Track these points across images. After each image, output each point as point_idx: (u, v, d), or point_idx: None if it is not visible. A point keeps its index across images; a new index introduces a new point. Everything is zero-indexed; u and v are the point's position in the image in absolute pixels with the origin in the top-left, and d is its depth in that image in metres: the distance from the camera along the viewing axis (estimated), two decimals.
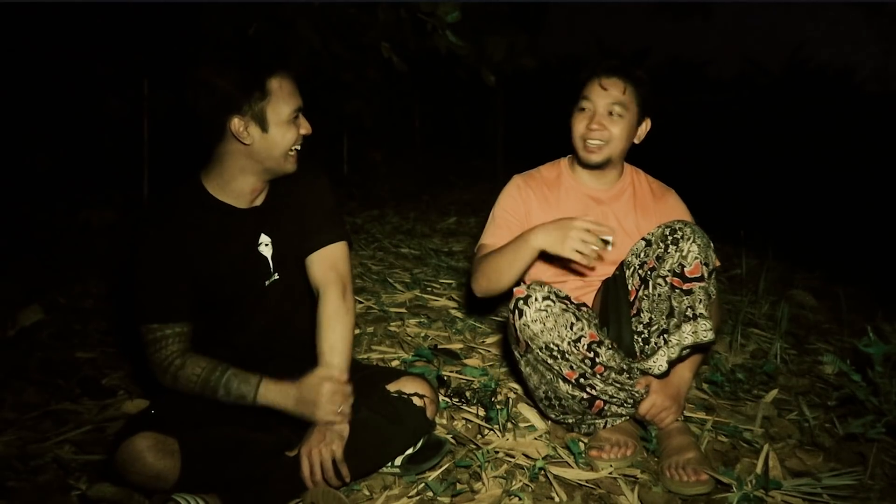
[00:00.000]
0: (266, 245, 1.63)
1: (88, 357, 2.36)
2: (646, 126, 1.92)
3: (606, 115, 1.85)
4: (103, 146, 4.71)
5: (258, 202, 1.63)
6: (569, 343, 1.60)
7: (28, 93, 4.27)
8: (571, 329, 1.60)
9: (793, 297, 3.24)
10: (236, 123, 1.49)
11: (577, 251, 1.63)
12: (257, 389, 1.51)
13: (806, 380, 2.24)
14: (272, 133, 1.51)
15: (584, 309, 1.67)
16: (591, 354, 1.63)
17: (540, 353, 1.62)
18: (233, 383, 1.50)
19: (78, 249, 3.62)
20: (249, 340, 1.65)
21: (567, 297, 1.64)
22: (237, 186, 1.58)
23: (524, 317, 1.60)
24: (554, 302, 1.59)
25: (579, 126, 1.88)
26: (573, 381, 1.65)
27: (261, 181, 1.60)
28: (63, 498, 1.56)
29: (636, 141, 1.92)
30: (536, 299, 1.59)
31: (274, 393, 1.52)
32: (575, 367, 1.63)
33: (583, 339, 1.61)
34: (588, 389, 1.66)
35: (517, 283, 1.72)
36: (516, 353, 1.72)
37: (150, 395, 2.02)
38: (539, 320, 1.58)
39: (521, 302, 1.60)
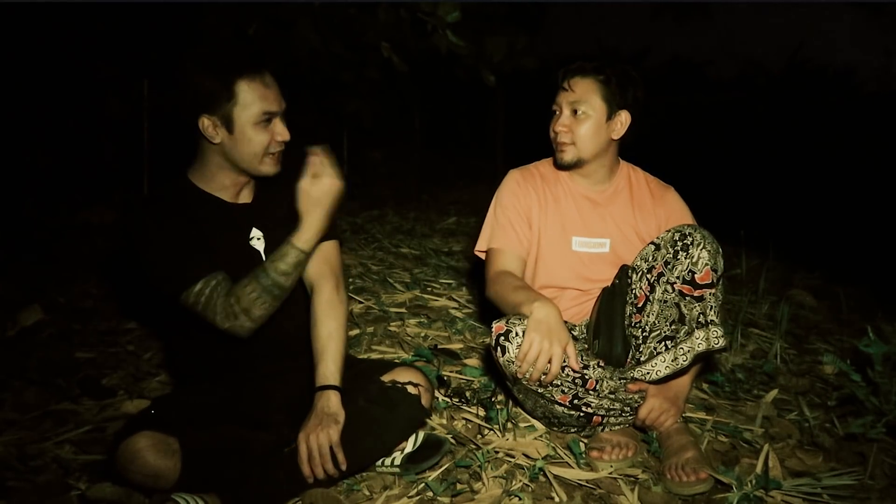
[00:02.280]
0: (258, 239, 1.66)
1: (88, 357, 2.36)
2: (623, 120, 1.83)
3: (571, 114, 1.83)
4: (103, 146, 4.72)
5: (247, 198, 1.66)
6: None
7: (28, 93, 4.27)
8: None
9: (793, 297, 3.24)
10: (205, 122, 1.52)
11: (539, 354, 1.54)
12: (293, 243, 1.53)
13: (806, 380, 2.24)
14: (238, 135, 1.53)
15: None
16: (580, 377, 1.63)
17: (529, 385, 1.62)
18: (278, 261, 1.52)
19: (78, 249, 3.62)
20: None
21: None
22: (219, 181, 1.62)
23: (507, 353, 1.58)
24: None
25: (550, 128, 1.89)
26: (567, 403, 1.66)
27: (242, 176, 1.63)
28: (63, 498, 1.56)
29: (614, 136, 1.85)
30: (517, 334, 1.58)
31: (300, 230, 1.54)
32: (566, 390, 1.63)
33: (567, 369, 1.61)
34: (584, 408, 1.67)
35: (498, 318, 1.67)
36: (507, 382, 1.72)
37: (149, 395, 2.02)
38: None
39: (503, 338, 1.59)
